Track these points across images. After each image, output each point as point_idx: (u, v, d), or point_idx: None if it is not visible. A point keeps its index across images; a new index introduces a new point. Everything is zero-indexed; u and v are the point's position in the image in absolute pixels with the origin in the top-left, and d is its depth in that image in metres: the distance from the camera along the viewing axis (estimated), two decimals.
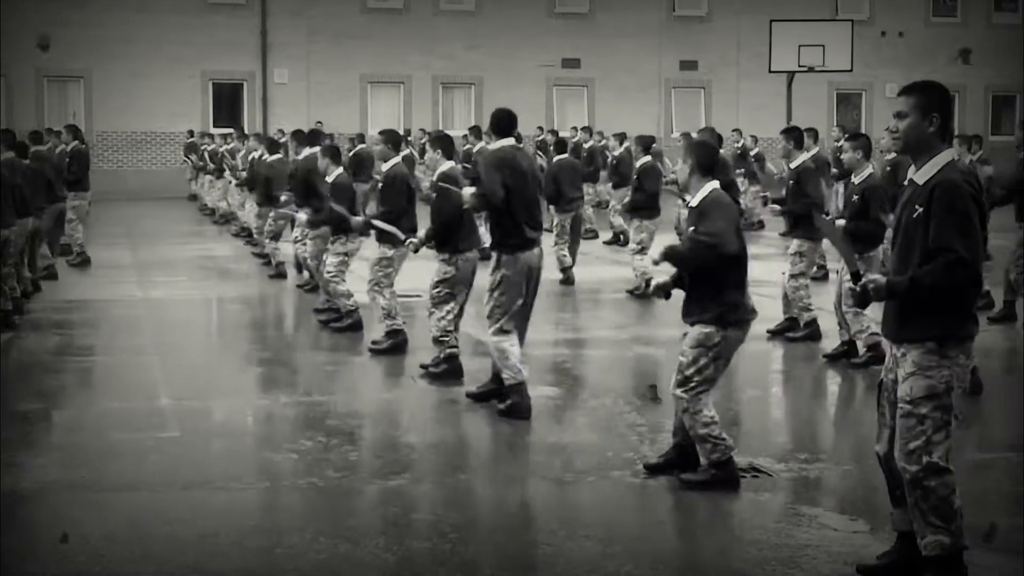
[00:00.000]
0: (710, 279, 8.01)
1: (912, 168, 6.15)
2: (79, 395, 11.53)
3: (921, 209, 5.97)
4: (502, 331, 10.13)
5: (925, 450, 5.99)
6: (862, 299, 6.13)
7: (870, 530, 7.32)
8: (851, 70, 36.51)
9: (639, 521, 7.76)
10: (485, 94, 40.20)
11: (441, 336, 11.49)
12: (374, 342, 13.06)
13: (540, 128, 37.15)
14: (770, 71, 36.19)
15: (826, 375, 12.43)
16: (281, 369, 12.72)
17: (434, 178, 11.70)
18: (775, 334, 13.75)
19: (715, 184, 8.22)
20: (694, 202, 8.21)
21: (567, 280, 18.48)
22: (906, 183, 6.23)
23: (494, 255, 10.20)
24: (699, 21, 42.23)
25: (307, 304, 16.19)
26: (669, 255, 8.08)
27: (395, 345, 12.89)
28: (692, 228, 8.12)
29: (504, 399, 10.23)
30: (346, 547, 7.02)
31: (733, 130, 30.00)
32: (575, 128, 33.94)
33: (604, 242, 24.59)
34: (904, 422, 6.05)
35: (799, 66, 35.33)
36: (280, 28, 39.32)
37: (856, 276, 6.15)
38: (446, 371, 11.57)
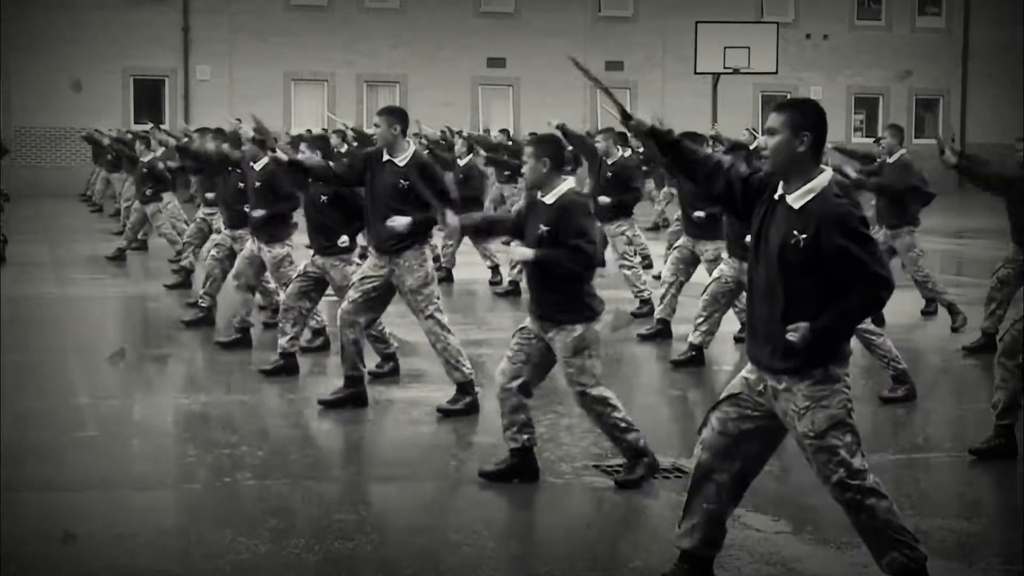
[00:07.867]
0: (568, 280, 7.94)
1: (781, 185, 5.87)
2: None
3: (806, 236, 5.70)
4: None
5: (851, 476, 5.80)
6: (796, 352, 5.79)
7: (792, 530, 7.35)
8: (776, 72, 36.79)
9: (561, 521, 7.74)
10: (410, 93, 40.10)
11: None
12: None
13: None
14: (695, 72, 36.39)
15: None
16: (202, 368, 12.60)
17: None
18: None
19: (572, 182, 8.16)
20: (550, 199, 8.04)
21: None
22: (766, 199, 5.93)
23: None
24: (625, 22, 42.35)
25: (230, 305, 16.03)
26: (542, 260, 7.91)
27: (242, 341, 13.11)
28: (547, 228, 7.94)
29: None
30: (266, 547, 6.95)
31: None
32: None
33: None
34: (817, 457, 5.85)
35: (724, 68, 35.54)
36: (202, 24, 39.00)
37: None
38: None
